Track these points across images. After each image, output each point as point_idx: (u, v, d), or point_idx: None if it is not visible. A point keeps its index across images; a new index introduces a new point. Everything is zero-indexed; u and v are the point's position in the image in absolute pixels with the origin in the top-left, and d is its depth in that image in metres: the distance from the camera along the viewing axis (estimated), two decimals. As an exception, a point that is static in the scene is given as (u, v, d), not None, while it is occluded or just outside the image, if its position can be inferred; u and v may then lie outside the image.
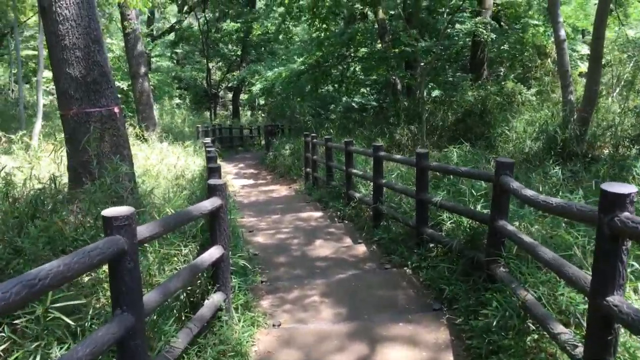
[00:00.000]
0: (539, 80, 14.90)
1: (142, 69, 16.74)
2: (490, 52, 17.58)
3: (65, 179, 7.61)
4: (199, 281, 4.03)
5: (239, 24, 30.78)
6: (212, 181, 4.00)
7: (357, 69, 21.31)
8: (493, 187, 4.32)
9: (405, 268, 5.76)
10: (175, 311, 3.56)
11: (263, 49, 31.19)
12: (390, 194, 7.68)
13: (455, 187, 6.89)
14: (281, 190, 13.06)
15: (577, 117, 9.77)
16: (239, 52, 32.75)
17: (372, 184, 7.83)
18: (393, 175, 8.57)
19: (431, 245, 5.79)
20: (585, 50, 17.32)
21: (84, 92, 6.97)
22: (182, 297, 3.75)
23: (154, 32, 33.03)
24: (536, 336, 3.58)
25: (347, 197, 9.03)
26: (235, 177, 16.08)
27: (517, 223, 4.87)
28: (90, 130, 6.85)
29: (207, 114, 32.80)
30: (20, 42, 25.09)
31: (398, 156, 6.68)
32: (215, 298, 3.90)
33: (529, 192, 3.49)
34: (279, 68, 17.98)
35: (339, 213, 8.88)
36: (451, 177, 6.99)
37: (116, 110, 7.26)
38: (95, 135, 7.03)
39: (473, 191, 5.67)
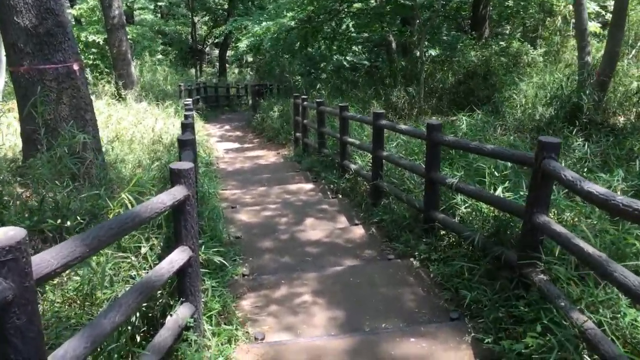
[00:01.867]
0: (547, 40, 13.88)
1: (119, 21, 15.43)
2: (492, 8, 16.48)
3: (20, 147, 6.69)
4: (160, 292, 3.15)
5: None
6: (176, 165, 3.07)
7: (350, 25, 20.06)
8: (533, 173, 3.44)
9: (411, 259, 4.92)
10: (123, 339, 2.68)
11: (251, 2, 29.56)
12: (391, 166, 6.80)
13: (466, 162, 6.03)
14: (268, 156, 12.11)
15: (595, 81, 8.85)
16: (225, 6, 31.11)
17: (370, 155, 6.95)
18: (393, 145, 7.67)
19: (442, 232, 4.95)
20: (593, 6, 16.21)
21: (36, 45, 5.91)
22: (133, 317, 2.87)
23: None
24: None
25: (341, 167, 8.13)
26: (219, 140, 15.08)
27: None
28: (40, 91, 5.87)
29: (193, 71, 31.36)
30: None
31: (404, 126, 5.75)
32: (180, 314, 3.03)
33: (596, 189, 2.61)
34: (267, 23, 16.70)
35: (332, 186, 7.99)
36: (460, 151, 6.14)
37: (76, 67, 6.23)
38: (50, 96, 6.06)
39: (495, 172, 4.80)
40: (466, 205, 4.81)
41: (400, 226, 5.55)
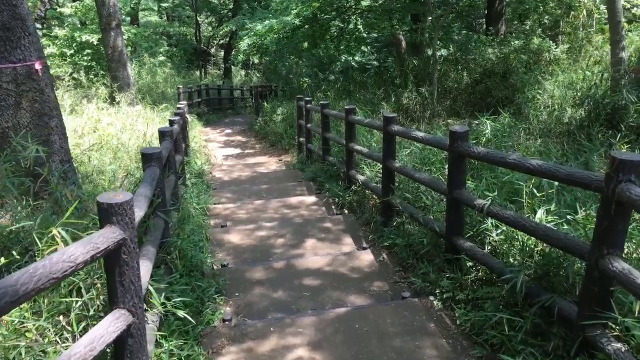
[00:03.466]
0: (570, 36, 12.89)
1: (114, 21, 14.63)
2: (509, 4, 15.51)
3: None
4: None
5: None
6: (106, 198, 2.19)
7: (358, 24, 19.18)
8: (602, 201, 2.52)
9: (431, 298, 4.01)
10: None
11: (257, 2, 28.73)
12: (405, 178, 5.89)
13: (494, 174, 5.12)
14: (270, 164, 11.22)
15: (634, 79, 7.90)
16: (230, 6, 30.30)
17: (380, 165, 6.05)
18: (406, 153, 6.76)
19: (469, 264, 4.04)
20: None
21: (-10, 42, 5.11)
22: None
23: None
24: None
25: (347, 178, 7.23)
26: (220, 146, 14.21)
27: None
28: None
29: (198, 73, 30.60)
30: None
31: (421, 133, 4.80)
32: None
33: None
34: (271, 21, 15.82)
35: (337, 200, 7.08)
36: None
37: (38, 66, 5.36)
38: (8, 100, 5.23)
39: (535, 190, 3.86)
40: (499, 231, 3.89)
41: (417, 254, 4.64)
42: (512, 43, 12.35)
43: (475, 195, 4.00)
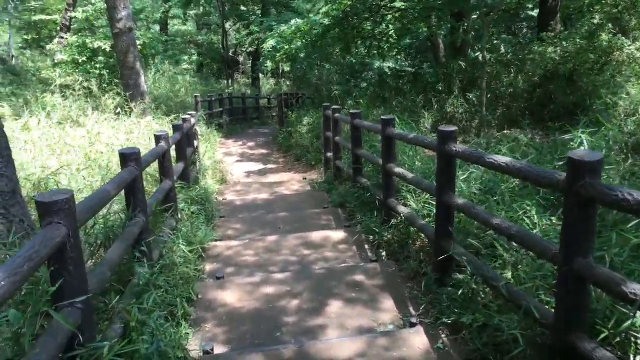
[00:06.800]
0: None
1: (127, 25, 13.36)
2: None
3: None
4: None
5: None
6: None
7: (390, 26, 17.52)
8: None
9: None
10: None
11: (284, 8, 27.38)
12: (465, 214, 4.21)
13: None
14: (292, 183, 9.64)
15: None
16: (258, 12, 29.05)
17: (429, 196, 4.41)
18: (463, 177, 5.07)
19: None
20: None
21: None
22: None
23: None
24: None
25: (384, 208, 5.58)
26: (239, 160, 12.72)
27: None
28: None
29: (225, 82, 29.39)
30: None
31: (506, 158, 3.09)
32: None
33: None
34: (297, 21, 14.32)
35: (372, 238, 5.44)
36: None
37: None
38: None
39: None
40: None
41: (502, 348, 2.96)
42: (579, 41, 10.47)
43: (610, 268, 2.32)
